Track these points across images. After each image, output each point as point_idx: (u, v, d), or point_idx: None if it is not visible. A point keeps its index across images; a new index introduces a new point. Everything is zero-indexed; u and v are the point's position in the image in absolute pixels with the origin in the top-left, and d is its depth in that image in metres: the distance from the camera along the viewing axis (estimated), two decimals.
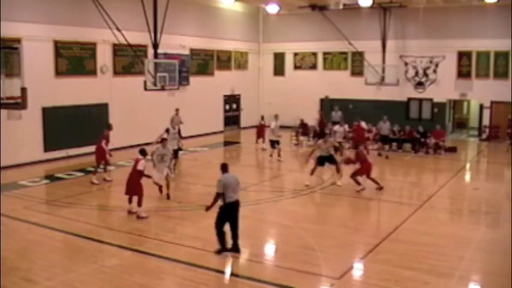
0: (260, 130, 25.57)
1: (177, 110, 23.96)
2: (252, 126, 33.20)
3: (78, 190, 16.73)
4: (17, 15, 19.51)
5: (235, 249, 10.94)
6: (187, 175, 19.07)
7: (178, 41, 26.78)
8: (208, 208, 10.97)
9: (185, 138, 20.76)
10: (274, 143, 22.03)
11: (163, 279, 9.98)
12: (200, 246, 11.34)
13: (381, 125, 24.97)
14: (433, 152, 23.93)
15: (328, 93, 32.06)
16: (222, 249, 10.87)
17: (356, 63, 31.59)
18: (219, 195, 10.73)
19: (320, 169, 17.81)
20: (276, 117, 22.66)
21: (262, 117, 26.63)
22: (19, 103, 11.24)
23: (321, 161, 17.40)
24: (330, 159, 17.56)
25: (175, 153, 18.56)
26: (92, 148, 22.14)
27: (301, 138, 27.28)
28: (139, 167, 13.57)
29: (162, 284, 9.82)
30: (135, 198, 13.71)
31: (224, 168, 11.15)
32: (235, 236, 10.97)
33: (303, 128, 27.46)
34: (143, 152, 13.90)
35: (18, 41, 18.82)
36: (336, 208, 15.22)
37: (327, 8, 29.38)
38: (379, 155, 23.51)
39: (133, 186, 13.68)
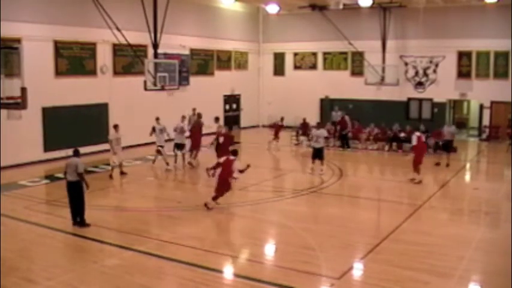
0: (278, 130, 25.61)
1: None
2: (253, 126, 33.32)
3: None
4: (17, 15, 19.50)
5: (78, 223, 12.55)
6: (187, 175, 19.06)
7: (178, 41, 26.76)
8: None
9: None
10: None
11: (164, 279, 9.98)
12: (200, 246, 11.35)
13: (445, 129, 22.18)
14: (433, 152, 23.91)
15: (328, 93, 32.06)
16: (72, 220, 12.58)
17: (356, 63, 31.58)
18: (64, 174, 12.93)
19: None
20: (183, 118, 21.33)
21: (282, 119, 26.56)
22: (19, 103, 11.24)
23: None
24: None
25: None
26: (91, 148, 22.25)
27: (301, 138, 27.21)
28: (238, 167, 14.30)
29: (162, 284, 9.82)
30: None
31: (74, 152, 13.24)
32: (76, 212, 12.65)
33: (303, 128, 27.37)
34: (236, 152, 14.84)
35: (18, 41, 18.83)
36: (336, 208, 15.21)
37: (326, 8, 29.39)
38: (437, 164, 20.88)
39: (225, 185, 14.25)
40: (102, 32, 20.30)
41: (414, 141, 18.04)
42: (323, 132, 19.57)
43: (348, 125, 25.83)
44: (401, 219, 13.51)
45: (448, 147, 21.48)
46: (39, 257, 10.94)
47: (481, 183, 19.12)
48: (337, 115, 27.60)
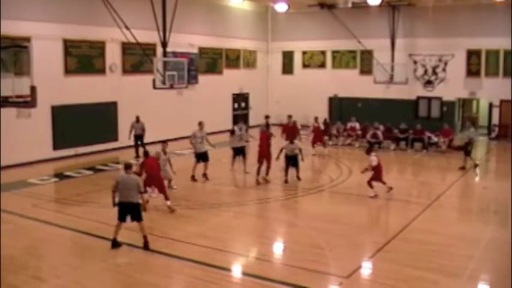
0: (318, 134, 24.35)
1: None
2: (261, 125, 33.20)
3: (87, 188, 16.80)
4: (26, 14, 19.60)
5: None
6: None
7: (187, 40, 26.80)
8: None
9: None
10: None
11: (173, 278, 10.02)
12: (209, 245, 11.36)
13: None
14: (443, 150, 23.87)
15: (337, 92, 32.02)
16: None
17: (365, 62, 31.50)
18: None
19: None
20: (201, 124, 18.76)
21: (316, 119, 24.86)
22: (28, 101, 11.28)
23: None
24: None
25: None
26: (100, 146, 22.35)
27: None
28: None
29: (171, 282, 9.85)
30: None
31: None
32: None
33: (324, 128, 27.01)
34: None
35: (28, 39, 18.90)
36: (345, 207, 15.16)
37: (335, 7, 29.39)
38: (463, 168, 20.17)
39: None
40: (111, 30, 20.33)
41: (374, 163, 15.82)
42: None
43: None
44: (410, 218, 13.48)
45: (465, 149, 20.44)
46: (48, 255, 11.00)
47: (490, 182, 19.01)
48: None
